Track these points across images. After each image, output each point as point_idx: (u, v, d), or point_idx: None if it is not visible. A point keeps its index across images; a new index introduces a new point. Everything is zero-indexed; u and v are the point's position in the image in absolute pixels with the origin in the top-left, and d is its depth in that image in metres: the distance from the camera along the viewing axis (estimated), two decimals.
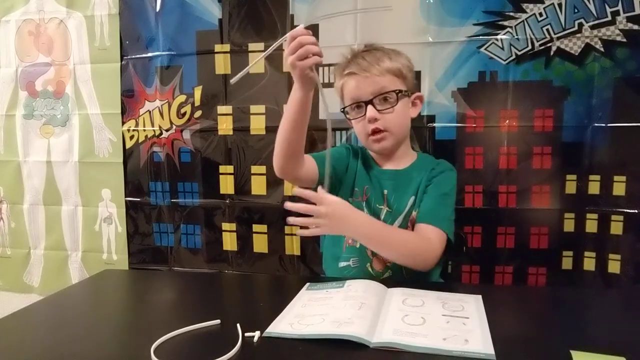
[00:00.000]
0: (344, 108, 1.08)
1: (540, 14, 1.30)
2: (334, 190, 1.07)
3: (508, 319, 0.79)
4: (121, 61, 1.61)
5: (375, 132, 1.02)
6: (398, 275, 1.02)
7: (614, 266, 1.33)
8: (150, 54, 1.58)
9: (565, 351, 0.62)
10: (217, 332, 0.72)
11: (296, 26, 1.41)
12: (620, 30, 1.26)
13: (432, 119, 1.38)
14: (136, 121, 1.63)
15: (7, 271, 1.80)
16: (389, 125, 1.02)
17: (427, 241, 0.95)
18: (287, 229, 1.53)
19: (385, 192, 1.06)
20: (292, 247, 1.53)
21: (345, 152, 1.11)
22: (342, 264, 1.08)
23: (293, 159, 0.98)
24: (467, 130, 1.37)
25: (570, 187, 1.35)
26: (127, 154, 1.65)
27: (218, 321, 0.74)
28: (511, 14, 1.32)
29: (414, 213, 1.05)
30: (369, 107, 1.01)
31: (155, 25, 1.56)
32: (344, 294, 0.82)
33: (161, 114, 1.60)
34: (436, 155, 1.18)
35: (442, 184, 1.04)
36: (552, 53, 1.31)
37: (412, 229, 1.02)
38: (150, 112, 1.61)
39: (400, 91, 1.02)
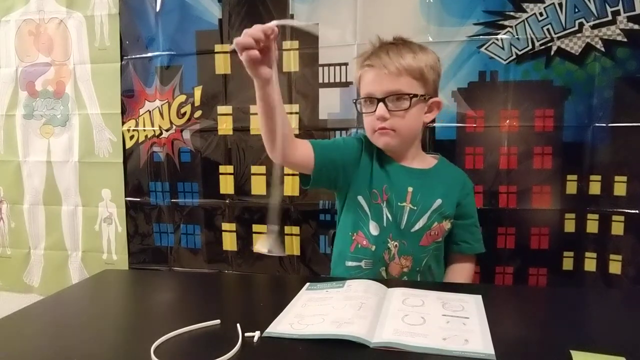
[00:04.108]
0: (356, 100, 1.07)
1: (541, 14, 1.30)
2: (338, 182, 1.06)
3: (508, 319, 0.79)
4: (121, 61, 1.61)
5: (382, 129, 1.01)
6: (413, 280, 1.03)
7: (615, 267, 1.32)
8: (150, 54, 1.58)
9: (565, 351, 0.62)
10: (217, 332, 0.72)
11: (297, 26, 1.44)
12: (621, 30, 1.26)
13: None
14: (136, 121, 1.63)
15: (7, 271, 1.80)
16: (397, 126, 1.01)
17: (474, 268, 1.17)
18: (286, 229, 1.53)
19: (410, 189, 1.04)
20: (292, 247, 1.53)
21: (357, 144, 1.07)
22: (351, 263, 1.07)
23: (280, 149, 0.93)
24: (468, 130, 1.37)
25: (571, 188, 1.34)
26: (127, 154, 1.65)
27: (218, 321, 0.74)
28: (511, 13, 1.32)
29: (444, 223, 1.06)
30: (380, 105, 0.99)
31: (155, 25, 1.56)
32: (344, 294, 0.82)
33: (161, 114, 1.59)
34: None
35: (474, 206, 1.15)
36: (552, 53, 1.31)
37: (440, 233, 1.07)
38: (150, 112, 1.61)
39: (416, 96, 1.00)
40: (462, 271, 1.14)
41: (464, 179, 1.15)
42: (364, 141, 1.08)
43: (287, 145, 0.94)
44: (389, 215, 1.04)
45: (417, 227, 1.04)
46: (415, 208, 1.03)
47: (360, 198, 1.05)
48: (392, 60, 0.99)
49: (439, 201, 1.05)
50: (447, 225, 1.08)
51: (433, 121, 1.35)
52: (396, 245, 1.04)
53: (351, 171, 1.05)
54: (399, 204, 1.04)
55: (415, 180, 1.05)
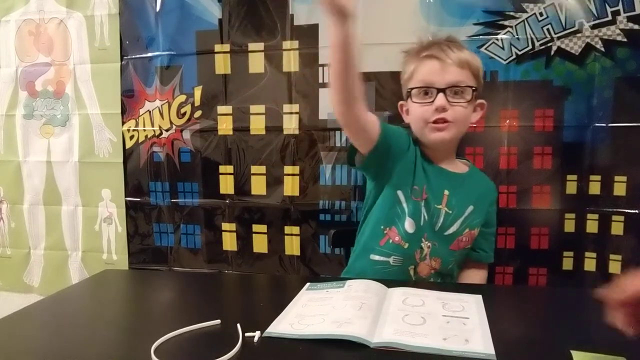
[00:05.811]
0: (410, 89, 1.03)
1: (541, 14, 1.30)
2: (385, 169, 1.02)
3: (508, 319, 0.79)
4: (121, 61, 1.61)
5: (439, 121, 0.99)
6: (443, 283, 1.03)
7: (614, 267, 1.32)
8: (150, 54, 1.58)
9: (565, 351, 0.62)
10: (217, 332, 0.72)
11: (297, 26, 1.44)
12: (621, 30, 1.26)
13: None
14: (136, 121, 1.63)
15: (7, 271, 1.80)
16: (456, 118, 0.99)
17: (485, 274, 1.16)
18: (286, 229, 1.53)
19: (447, 192, 1.03)
20: (292, 247, 1.53)
21: (407, 137, 1.05)
22: (377, 257, 1.04)
23: (351, 105, 0.89)
24: (467, 130, 1.36)
25: (571, 188, 1.34)
26: (127, 154, 1.65)
27: (218, 321, 0.74)
28: (511, 13, 1.32)
29: (475, 230, 1.06)
30: (440, 95, 0.97)
31: (155, 25, 1.56)
32: (344, 294, 0.82)
33: (161, 114, 1.59)
34: None
35: (495, 216, 1.15)
36: (552, 53, 1.31)
37: (470, 240, 1.07)
38: (150, 112, 1.61)
39: (476, 89, 1.00)
40: (476, 277, 1.13)
41: (493, 189, 1.16)
42: (410, 135, 1.06)
43: (358, 102, 0.89)
44: (426, 215, 1.03)
45: (450, 230, 1.04)
46: (450, 212, 1.03)
47: (399, 193, 1.03)
48: (455, 52, 0.99)
49: (471, 207, 1.05)
50: (477, 232, 1.08)
51: None
52: (429, 246, 1.03)
53: (397, 162, 1.02)
54: (435, 205, 1.03)
55: (451, 184, 1.04)
